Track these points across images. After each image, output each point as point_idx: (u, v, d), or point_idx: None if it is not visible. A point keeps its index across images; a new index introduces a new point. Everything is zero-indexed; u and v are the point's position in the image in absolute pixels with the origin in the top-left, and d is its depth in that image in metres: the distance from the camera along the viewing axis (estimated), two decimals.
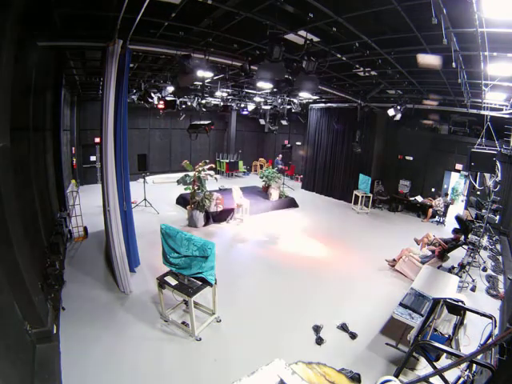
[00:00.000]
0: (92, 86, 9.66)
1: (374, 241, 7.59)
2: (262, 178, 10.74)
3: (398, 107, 7.68)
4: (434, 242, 6.24)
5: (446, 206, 9.19)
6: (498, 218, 6.84)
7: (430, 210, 9.34)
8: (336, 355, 3.60)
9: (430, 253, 5.97)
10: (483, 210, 6.45)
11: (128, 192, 4.93)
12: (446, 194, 9.68)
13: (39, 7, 3.55)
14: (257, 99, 11.41)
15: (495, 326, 2.43)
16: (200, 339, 3.71)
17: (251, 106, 12.25)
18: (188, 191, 8.11)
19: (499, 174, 5.80)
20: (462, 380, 2.40)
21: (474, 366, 2.30)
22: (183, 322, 3.94)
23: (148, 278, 5.08)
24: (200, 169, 8.00)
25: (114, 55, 4.07)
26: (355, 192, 10.30)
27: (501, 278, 5.82)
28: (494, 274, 5.95)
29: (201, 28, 4.48)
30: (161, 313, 4.09)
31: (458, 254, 6.22)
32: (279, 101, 11.36)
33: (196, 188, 7.86)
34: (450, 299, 2.69)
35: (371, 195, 10.02)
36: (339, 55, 5.12)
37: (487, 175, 6.02)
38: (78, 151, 11.20)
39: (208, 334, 3.84)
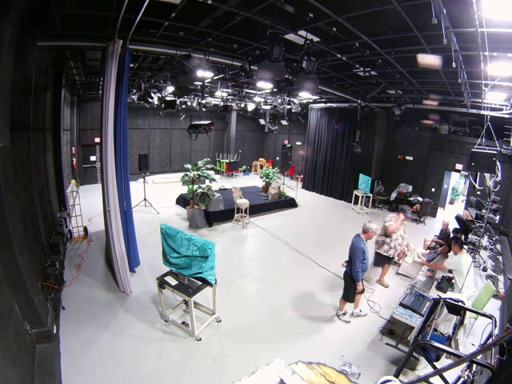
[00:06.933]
0: (92, 85, 9.67)
1: None
2: (262, 177, 10.76)
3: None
4: (434, 246, 6.23)
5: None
6: (498, 218, 6.84)
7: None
8: (336, 354, 3.60)
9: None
10: (483, 210, 6.45)
11: (128, 192, 4.93)
12: None
13: (39, 7, 3.55)
14: (257, 99, 11.40)
15: (495, 326, 2.42)
16: (200, 339, 3.71)
17: (251, 106, 12.23)
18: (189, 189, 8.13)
19: (499, 174, 5.80)
20: (462, 380, 2.39)
21: (474, 365, 2.30)
22: (183, 322, 3.94)
23: (148, 278, 5.08)
24: (201, 164, 8.07)
25: (113, 55, 4.07)
26: (355, 192, 10.31)
27: (501, 277, 5.81)
28: (494, 273, 5.94)
29: (201, 28, 4.48)
30: (161, 313, 4.09)
31: None
32: (279, 101, 11.35)
33: (197, 187, 7.87)
34: (450, 299, 2.68)
35: (371, 195, 10.03)
36: (339, 55, 5.12)
37: (487, 175, 6.02)
38: (78, 151, 11.21)
39: (208, 333, 3.84)
